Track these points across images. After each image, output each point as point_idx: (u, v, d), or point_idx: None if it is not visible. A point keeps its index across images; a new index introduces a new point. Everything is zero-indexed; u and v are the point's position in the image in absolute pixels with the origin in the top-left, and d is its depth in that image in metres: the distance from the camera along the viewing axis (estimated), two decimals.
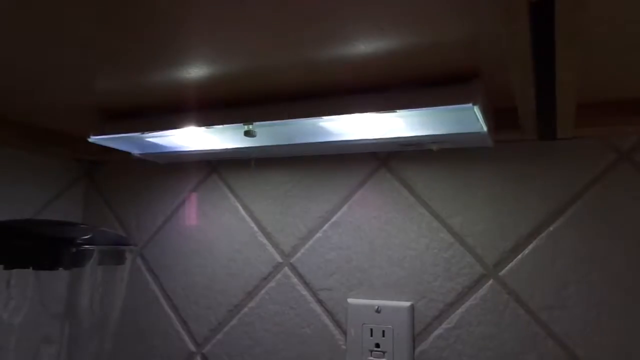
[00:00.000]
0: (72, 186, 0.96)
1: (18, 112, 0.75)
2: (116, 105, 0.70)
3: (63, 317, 0.64)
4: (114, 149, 0.78)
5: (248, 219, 0.83)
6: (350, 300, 0.73)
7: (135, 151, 0.80)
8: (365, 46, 0.48)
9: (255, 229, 0.82)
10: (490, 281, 0.67)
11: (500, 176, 0.69)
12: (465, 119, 0.58)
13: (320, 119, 0.60)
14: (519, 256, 0.66)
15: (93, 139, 0.72)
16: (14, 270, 0.60)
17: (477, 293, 0.67)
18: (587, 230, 0.64)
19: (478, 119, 0.56)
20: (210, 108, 0.66)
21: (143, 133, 0.69)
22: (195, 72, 0.56)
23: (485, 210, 0.69)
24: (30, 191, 0.89)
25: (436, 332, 0.68)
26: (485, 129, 0.59)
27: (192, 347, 0.83)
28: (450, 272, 0.69)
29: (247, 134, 0.65)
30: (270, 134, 0.68)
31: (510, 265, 0.66)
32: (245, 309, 0.80)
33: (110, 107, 0.70)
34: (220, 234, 0.84)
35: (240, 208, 0.84)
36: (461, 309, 0.68)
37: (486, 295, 0.67)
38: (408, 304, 0.70)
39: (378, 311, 0.71)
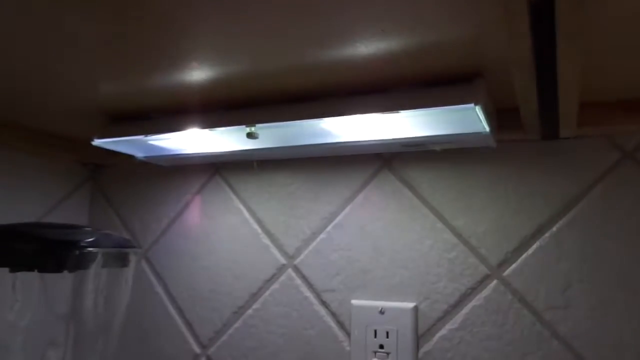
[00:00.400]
0: (78, 189, 0.97)
1: (23, 116, 0.75)
2: (120, 109, 0.70)
3: (68, 319, 0.64)
4: (118, 152, 0.79)
5: (252, 220, 0.83)
6: (354, 301, 0.73)
7: (139, 154, 0.81)
8: (365, 47, 0.48)
9: (259, 230, 0.82)
10: (494, 282, 0.67)
11: (503, 176, 0.68)
12: (467, 119, 0.58)
13: (322, 121, 0.60)
14: (523, 256, 0.66)
15: (97, 142, 0.73)
16: (20, 273, 0.60)
17: (481, 294, 0.67)
18: (591, 230, 0.63)
19: (480, 119, 0.56)
20: (212, 110, 0.67)
21: (147, 136, 0.70)
22: (197, 74, 0.56)
23: (489, 211, 0.68)
24: (37, 195, 0.89)
25: (440, 333, 0.68)
26: (487, 129, 0.59)
27: (197, 349, 0.83)
28: (454, 272, 0.69)
29: (250, 135, 0.65)
30: (272, 135, 0.68)
31: (514, 265, 0.66)
32: (250, 311, 0.80)
33: (113, 110, 0.71)
34: (224, 235, 0.85)
35: (243, 210, 0.84)
36: (465, 310, 0.67)
37: (490, 296, 0.67)
38: (412, 305, 0.70)
39: (382, 312, 0.70)
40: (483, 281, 0.67)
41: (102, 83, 0.60)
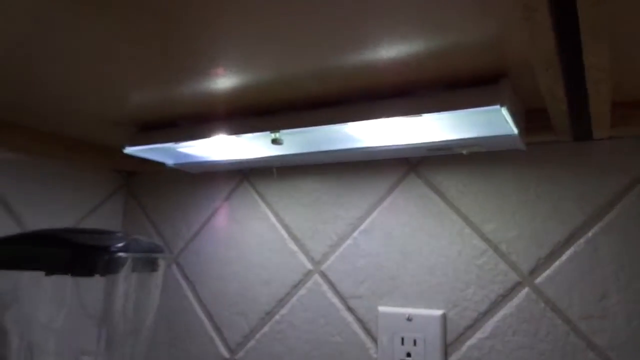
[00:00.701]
0: (113, 196, 1.00)
1: (59, 125, 0.78)
2: (149, 117, 0.72)
3: (100, 323, 0.66)
4: (150, 159, 0.81)
5: (279, 226, 0.83)
6: (380, 308, 0.72)
7: (169, 161, 0.83)
8: (386, 51, 0.48)
9: (286, 236, 0.83)
10: (526, 289, 0.64)
11: (534, 180, 0.66)
12: (494, 121, 0.56)
13: (346, 125, 0.60)
14: (556, 263, 0.63)
15: (128, 150, 0.75)
16: (54, 277, 0.62)
17: (512, 302, 0.65)
18: (627, 235, 0.60)
19: (507, 121, 0.55)
20: (238, 117, 0.67)
21: (175, 143, 0.71)
22: (223, 82, 0.57)
23: (519, 216, 0.66)
24: (74, 201, 0.92)
25: (469, 342, 0.66)
26: (515, 131, 0.57)
27: (226, 354, 0.84)
28: (484, 279, 0.67)
29: (274, 142, 0.65)
30: (297, 141, 0.68)
31: (546, 272, 0.64)
32: (277, 317, 0.80)
33: (144, 118, 0.73)
34: (252, 241, 0.85)
35: (271, 215, 0.85)
36: (495, 318, 0.65)
37: (522, 304, 0.64)
38: (440, 312, 0.68)
39: (409, 319, 0.69)
40: (514, 289, 0.65)
41: (132, 93, 0.62)
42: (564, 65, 0.43)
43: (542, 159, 0.66)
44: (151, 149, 0.75)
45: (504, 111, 0.52)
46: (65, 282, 0.63)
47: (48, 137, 0.83)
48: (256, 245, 0.85)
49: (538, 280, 0.64)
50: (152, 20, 0.43)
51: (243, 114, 0.68)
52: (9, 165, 0.82)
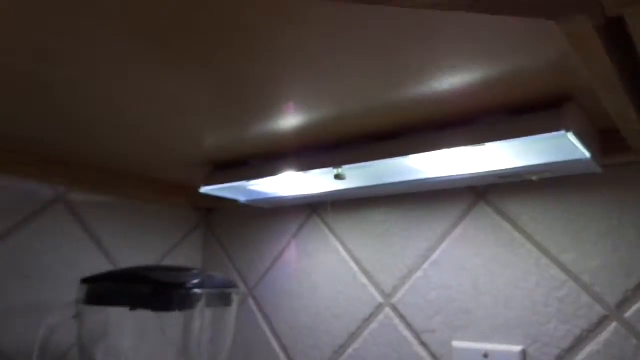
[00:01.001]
0: (193, 232, 1.06)
1: (141, 167, 0.85)
2: (223, 157, 0.76)
3: (180, 355, 0.69)
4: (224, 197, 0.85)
5: (349, 259, 0.84)
6: (455, 343, 0.69)
7: (242, 198, 0.86)
8: (439, 84, 0.48)
9: (356, 269, 0.83)
10: (614, 324, 0.59)
11: (615, 204, 0.61)
12: (563, 145, 0.53)
13: (407, 158, 0.60)
14: None
15: (203, 189, 0.80)
16: (138, 312, 0.67)
17: (600, 337, 0.60)
18: None
19: (576, 146, 0.52)
20: (303, 154, 0.70)
21: (247, 181, 0.74)
22: (289, 121, 0.59)
23: (602, 244, 0.62)
24: (158, 238, 0.99)
25: None
26: (587, 155, 0.54)
27: None
28: (565, 313, 0.63)
29: (337, 177, 0.66)
30: (360, 175, 0.69)
31: (637, 305, 0.58)
32: (350, 350, 0.80)
33: (217, 159, 0.77)
34: (323, 274, 0.86)
35: (340, 248, 0.85)
36: (581, 356, 0.61)
37: (610, 340, 0.59)
38: (519, 348, 0.64)
39: (486, 356, 0.66)
40: (601, 323, 0.60)
41: (207, 137, 0.66)
42: (630, 85, 0.41)
43: (623, 182, 0.61)
44: (224, 188, 0.79)
45: (571, 136, 0.49)
46: (147, 317, 0.67)
47: (136, 180, 0.90)
48: (327, 279, 0.85)
49: (627, 314, 0.59)
50: (226, 75, 0.47)
51: (307, 151, 0.70)
52: (103, 207, 0.90)
